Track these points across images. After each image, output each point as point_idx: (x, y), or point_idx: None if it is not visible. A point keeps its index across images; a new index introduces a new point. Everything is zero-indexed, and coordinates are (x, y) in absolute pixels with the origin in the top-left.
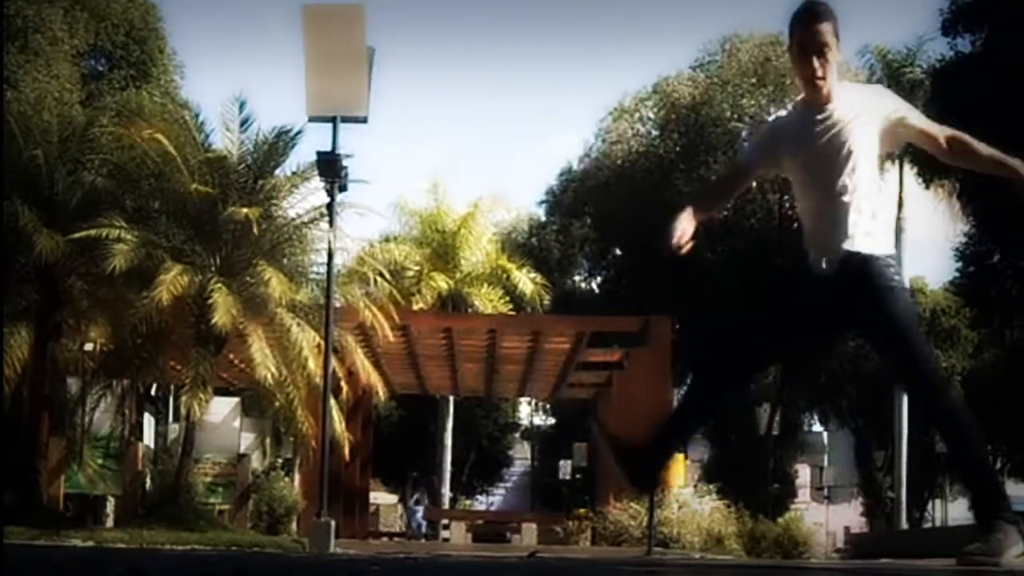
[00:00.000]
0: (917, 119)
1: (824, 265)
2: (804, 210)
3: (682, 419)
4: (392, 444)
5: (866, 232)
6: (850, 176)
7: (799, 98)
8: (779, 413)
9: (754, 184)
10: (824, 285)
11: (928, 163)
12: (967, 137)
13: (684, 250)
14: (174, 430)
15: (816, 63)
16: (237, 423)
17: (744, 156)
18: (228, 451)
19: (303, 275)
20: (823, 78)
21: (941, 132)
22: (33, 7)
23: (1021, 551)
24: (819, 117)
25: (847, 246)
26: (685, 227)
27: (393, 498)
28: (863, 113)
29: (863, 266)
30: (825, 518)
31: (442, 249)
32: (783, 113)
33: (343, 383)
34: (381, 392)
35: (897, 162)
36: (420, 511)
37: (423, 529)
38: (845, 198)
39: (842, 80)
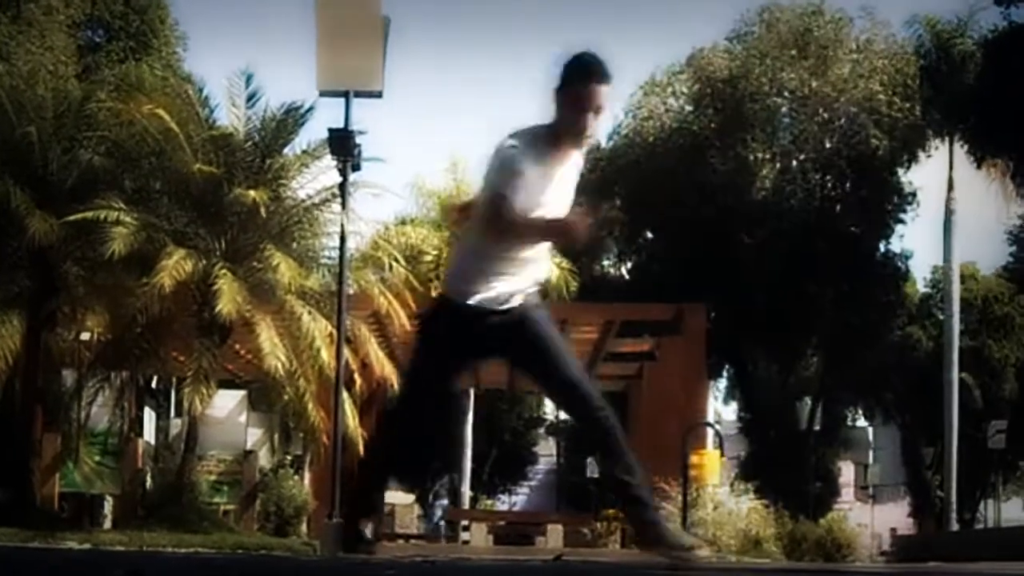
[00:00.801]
0: None
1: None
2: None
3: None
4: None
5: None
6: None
7: (543, 130)
8: (821, 407)
9: (794, 163)
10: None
11: (980, 141)
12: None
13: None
14: (176, 425)
15: (591, 121)
16: (243, 418)
17: (515, 197)
18: (234, 447)
19: (314, 260)
20: (591, 136)
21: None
22: None
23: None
24: (563, 168)
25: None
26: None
27: (410, 498)
28: (579, 166)
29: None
30: (870, 519)
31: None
32: (526, 143)
33: (356, 375)
34: (397, 385)
35: (947, 139)
36: (440, 509)
37: (443, 529)
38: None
39: None
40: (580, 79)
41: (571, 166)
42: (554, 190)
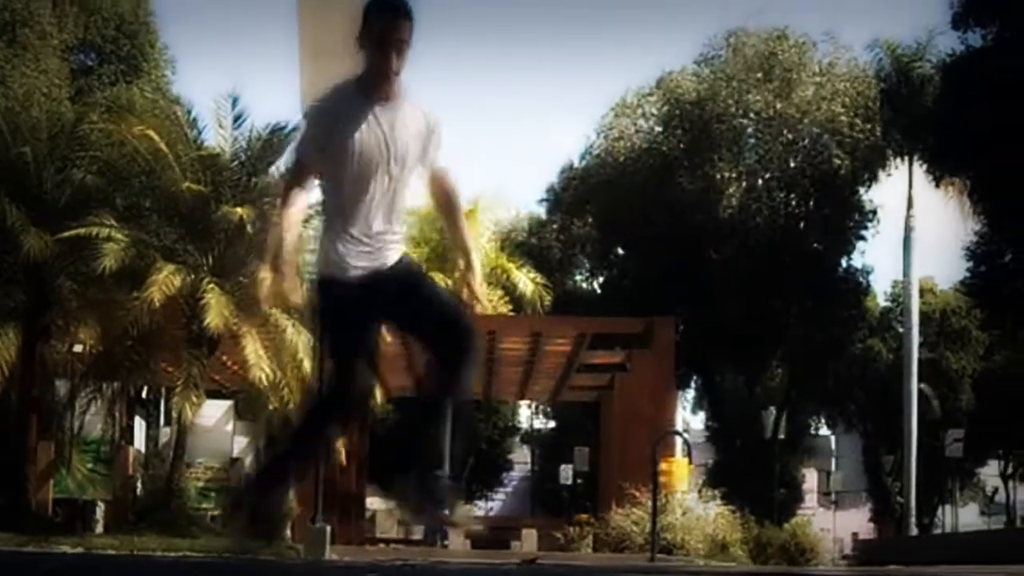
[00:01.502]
0: (441, 158)
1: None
2: (350, 195)
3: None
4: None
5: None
6: (401, 171)
7: (352, 82)
8: (785, 416)
9: (760, 182)
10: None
11: (938, 161)
12: (459, 206)
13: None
14: (165, 434)
15: (394, 58)
16: (230, 426)
17: (306, 150)
18: (221, 455)
19: (298, 275)
20: (397, 73)
21: (453, 186)
22: (21, 0)
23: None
24: (383, 110)
25: (393, 242)
26: (291, 292)
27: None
28: (422, 123)
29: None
30: (833, 524)
31: (440, 248)
32: (335, 95)
33: None
34: (378, 395)
35: (907, 159)
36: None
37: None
38: (389, 194)
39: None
40: (376, 16)
41: (401, 117)
42: (373, 140)
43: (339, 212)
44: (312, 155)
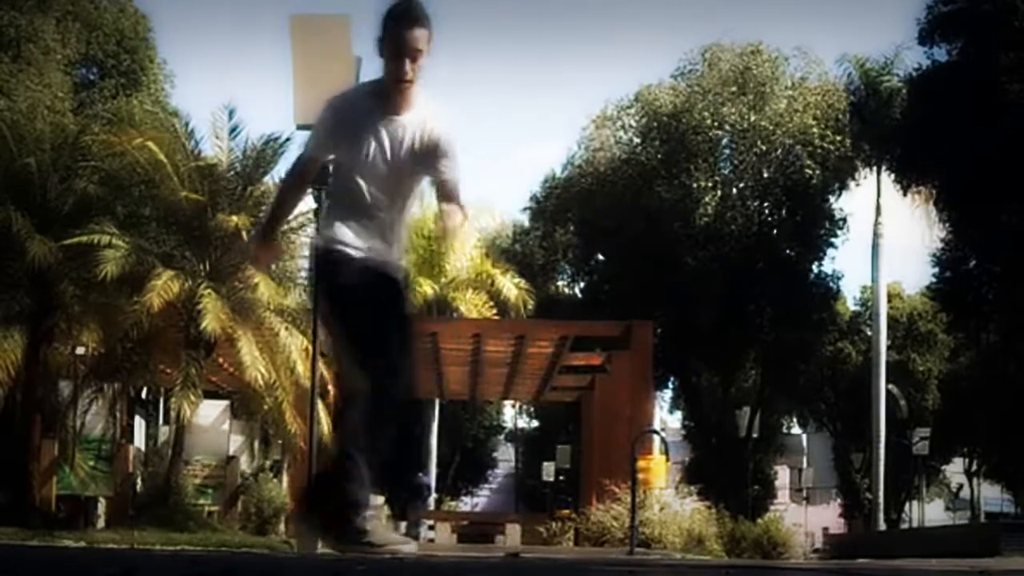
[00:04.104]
0: (451, 179)
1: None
2: (351, 193)
3: None
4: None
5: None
6: (399, 184)
7: (368, 86)
8: (759, 416)
9: (734, 191)
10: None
11: (905, 170)
12: (453, 226)
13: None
14: (164, 432)
15: (408, 66)
16: (226, 426)
17: (313, 148)
18: (217, 453)
19: (291, 280)
20: (411, 82)
21: (449, 208)
22: (26, 17)
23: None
24: (394, 118)
25: (383, 249)
26: (268, 252)
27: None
28: (430, 136)
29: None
30: (804, 519)
31: (427, 254)
32: (350, 97)
33: (330, 386)
34: None
35: (875, 168)
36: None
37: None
38: (391, 202)
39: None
40: (394, 25)
41: (408, 127)
42: (378, 144)
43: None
44: (315, 157)
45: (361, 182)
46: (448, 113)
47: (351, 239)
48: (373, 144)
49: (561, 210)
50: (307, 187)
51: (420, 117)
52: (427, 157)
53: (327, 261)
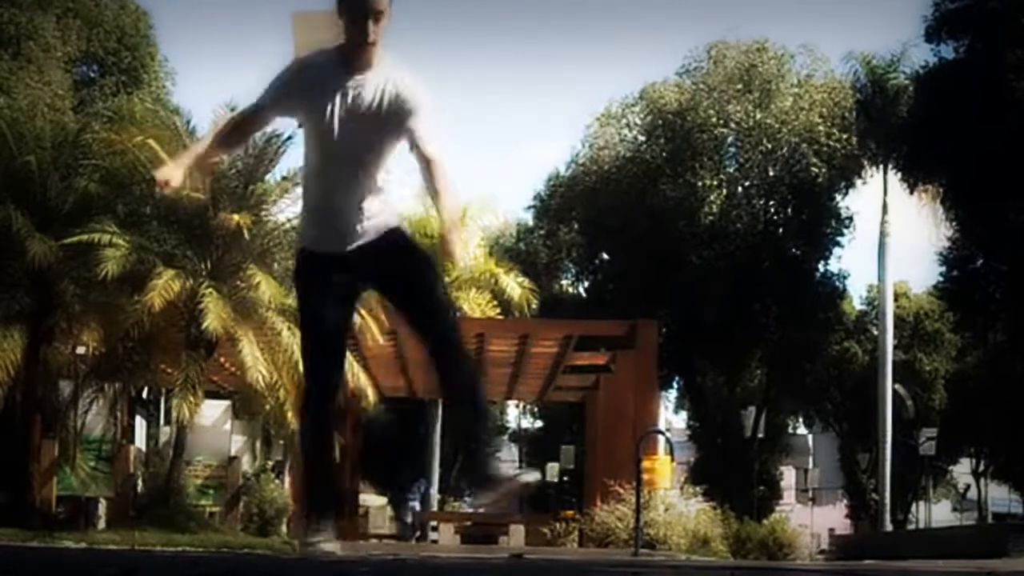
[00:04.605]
0: (423, 128)
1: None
2: (315, 166)
3: None
4: (382, 447)
5: (380, 206)
6: (369, 145)
7: (332, 51)
8: (764, 416)
9: (740, 189)
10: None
11: (912, 168)
12: (442, 172)
13: (167, 190)
14: (165, 433)
15: (370, 27)
16: (228, 426)
17: (265, 97)
18: (219, 453)
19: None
20: (373, 43)
21: (434, 153)
22: (26, 14)
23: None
24: (357, 78)
25: (366, 217)
26: (171, 172)
27: (382, 500)
28: (394, 94)
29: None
30: (810, 520)
31: (431, 253)
32: (313, 58)
33: None
34: (370, 395)
35: (881, 167)
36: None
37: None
38: (363, 167)
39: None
40: None
41: (372, 87)
42: (342, 100)
43: (306, 184)
44: (265, 107)
45: (319, 157)
46: (418, 80)
47: (312, 238)
48: (336, 101)
49: (565, 209)
50: (245, 137)
51: (383, 75)
52: (396, 115)
53: (297, 264)
